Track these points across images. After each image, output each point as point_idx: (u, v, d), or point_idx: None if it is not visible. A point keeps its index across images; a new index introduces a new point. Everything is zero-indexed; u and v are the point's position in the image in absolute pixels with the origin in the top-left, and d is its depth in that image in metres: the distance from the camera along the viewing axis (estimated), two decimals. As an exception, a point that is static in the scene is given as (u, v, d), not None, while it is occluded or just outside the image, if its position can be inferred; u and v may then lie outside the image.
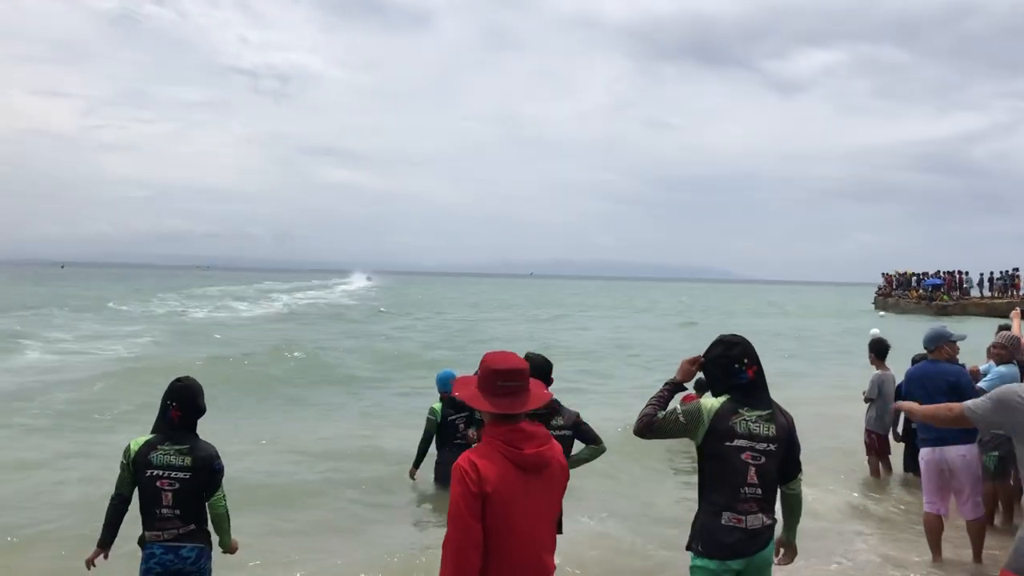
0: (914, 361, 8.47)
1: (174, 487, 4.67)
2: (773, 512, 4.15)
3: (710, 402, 4.14)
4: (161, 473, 4.67)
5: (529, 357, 5.27)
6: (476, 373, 3.42)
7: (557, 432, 5.31)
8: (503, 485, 3.14)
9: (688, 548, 4.18)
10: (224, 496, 4.84)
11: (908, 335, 25.22)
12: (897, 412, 9.13)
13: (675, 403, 4.32)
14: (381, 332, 34.48)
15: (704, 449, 4.10)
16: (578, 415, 5.69)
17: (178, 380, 4.90)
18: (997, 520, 7.83)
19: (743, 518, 4.01)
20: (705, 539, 4.07)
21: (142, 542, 4.75)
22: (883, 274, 70.02)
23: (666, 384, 4.33)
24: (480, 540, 3.11)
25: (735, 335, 4.28)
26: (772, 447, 4.06)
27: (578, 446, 5.72)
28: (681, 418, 4.11)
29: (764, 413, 4.10)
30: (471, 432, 7.68)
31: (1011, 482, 7.87)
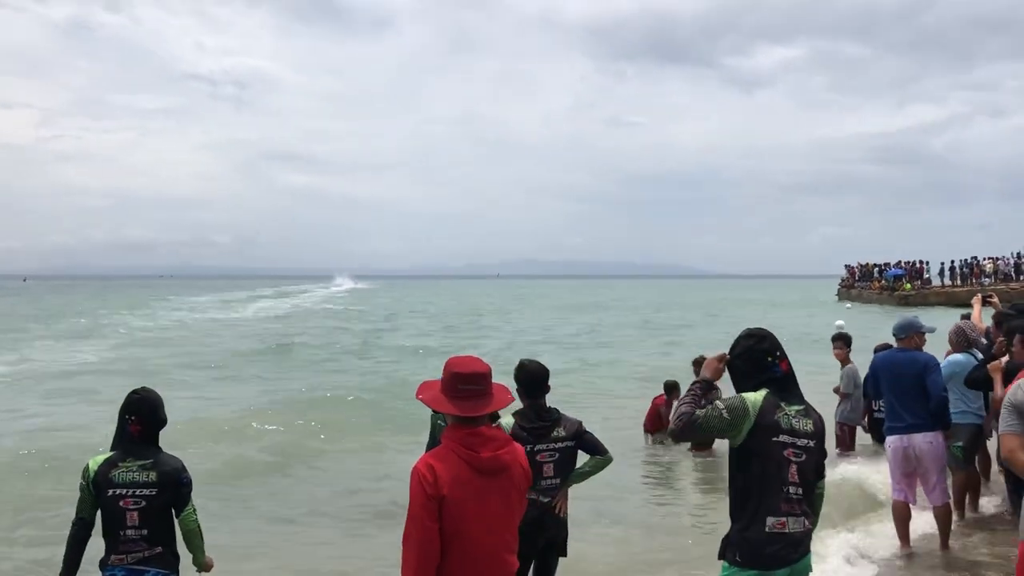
0: (876, 350, 8.55)
1: (140, 505, 4.30)
2: (811, 516, 3.89)
3: (752, 396, 3.80)
4: (124, 492, 4.29)
5: (525, 365, 5.17)
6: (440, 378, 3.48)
7: (560, 444, 5.03)
8: (459, 487, 3.23)
9: (722, 558, 3.84)
10: (195, 510, 4.49)
11: (873, 326, 25.62)
12: (868, 404, 9.24)
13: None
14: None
15: (746, 447, 3.76)
16: (580, 424, 5.24)
17: (135, 392, 4.50)
18: (968, 509, 7.90)
19: (786, 521, 3.73)
20: (744, 548, 3.74)
21: (103, 565, 4.36)
22: (846, 266, 70.96)
23: (696, 382, 3.96)
24: (437, 540, 3.20)
25: (760, 328, 4.02)
26: (811, 443, 3.85)
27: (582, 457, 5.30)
28: (725, 414, 3.71)
29: (801, 408, 3.87)
30: None
31: (975, 467, 8.01)
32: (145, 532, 4.31)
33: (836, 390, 10.13)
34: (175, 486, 4.38)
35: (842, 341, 10.20)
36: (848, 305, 55.46)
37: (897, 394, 6.83)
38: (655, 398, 12.33)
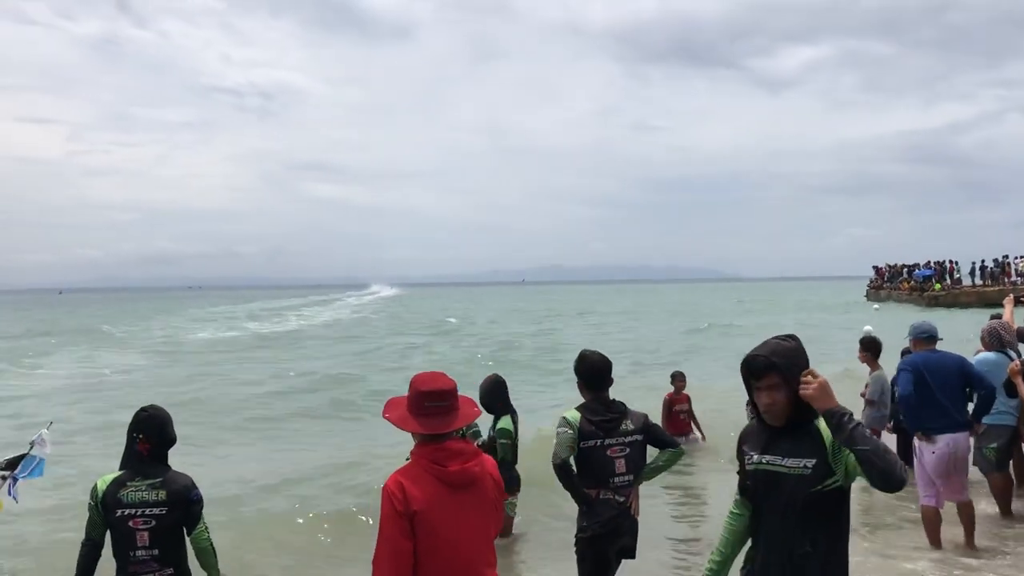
0: (903, 354, 8.49)
1: (150, 525, 4.21)
2: None
3: None
4: (134, 512, 4.20)
5: (585, 356, 5.03)
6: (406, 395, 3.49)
7: (630, 438, 4.84)
8: (430, 503, 3.23)
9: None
10: (206, 528, 4.39)
11: (903, 327, 25.24)
12: (895, 410, 9.14)
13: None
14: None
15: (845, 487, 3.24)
16: (646, 417, 5.05)
17: (143, 410, 4.43)
18: (1000, 508, 7.80)
19: None
20: None
21: None
22: (874, 267, 70.30)
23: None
24: (410, 558, 3.21)
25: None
26: None
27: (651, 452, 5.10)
28: None
29: None
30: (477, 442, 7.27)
31: (1008, 470, 7.92)
32: (156, 552, 4.23)
33: (863, 395, 9.97)
34: (185, 504, 4.29)
35: (868, 346, 10.03)
36: (876, 307, 54.92)
37: (947, 394, 6.78)
38: (666, 395, 11.91)
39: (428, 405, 3.34)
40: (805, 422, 3.20)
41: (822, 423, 3.16)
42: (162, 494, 4.24)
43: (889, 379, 9.62)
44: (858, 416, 8.85)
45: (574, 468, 4.88)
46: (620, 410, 4.91)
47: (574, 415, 4.85)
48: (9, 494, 6.80)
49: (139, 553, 4.21)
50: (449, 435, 3.38)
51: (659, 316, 57.66)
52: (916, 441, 6.97)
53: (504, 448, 7.22)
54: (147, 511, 4.21)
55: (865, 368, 9.93)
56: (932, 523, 6.99)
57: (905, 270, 63.33)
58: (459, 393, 3.50)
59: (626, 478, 4.82)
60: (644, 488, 5.26)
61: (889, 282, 64.84)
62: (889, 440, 10.05)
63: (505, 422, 7.30)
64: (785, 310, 60.86)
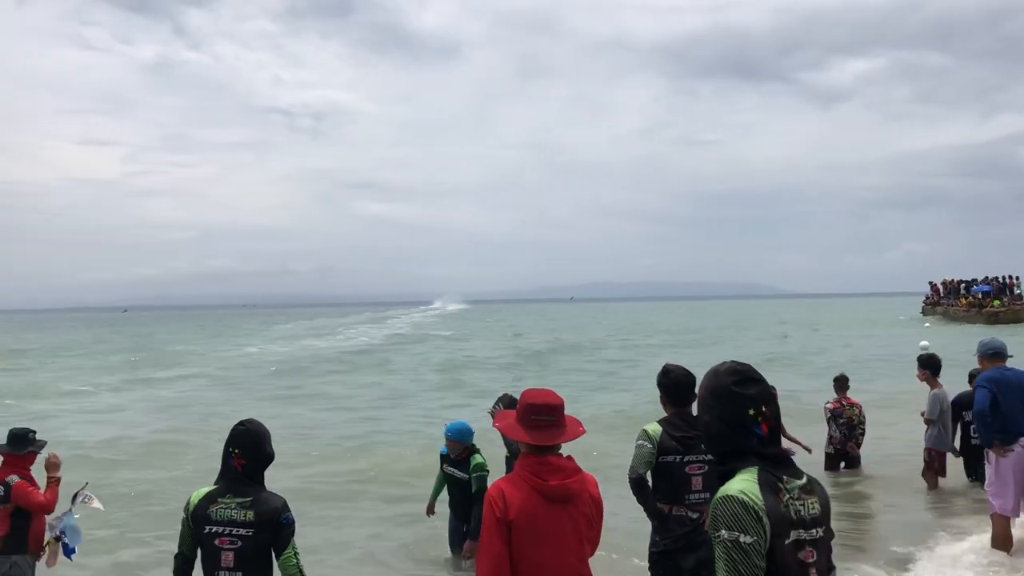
0: (972, 375, 8.27)
1: (235, 545, 4.02)
2: None
3: None
4: (221, 530, 4.03)
5: (670, 370, 4.93)
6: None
7: (709, 456, 4.55)
8: (527, 513, 3.43)
9: None
10: (296, 553, 4.12)
11: (959, 345, 24.71)
12: (965, 428, 8.98)
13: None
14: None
15: None
16: None
17: (241, 424, 4.23)
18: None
19: None
20: None
21: None
22: (930, 283, 68.87)
23: None
24: (506, 561, 3.42)
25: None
26: None
27: None
28: None
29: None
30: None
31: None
32: (240, 575, 4.05)
33: (923, 414, 9.67)
34: (275, 527, 4.05)
35: (926, 364, 9.72)
36: (927, 323, 53.77)
37: (1021, 409, 6.84)
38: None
39: (535, 418, 3.57)
40: None
41: None
42: (250, 515, 4.04)
43: (949, 398, 9.34)
44: (921, 436, 8.40)
45: (649, 483, 4.83)
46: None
47: (655, 429, 4.78)
48: (66, 555, 7.02)
49: (223, 574, 4.04)
50: (553, 450, 3.58)
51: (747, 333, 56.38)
52: (989, 453, 6.96)
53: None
54: (234, 531, 4.03)
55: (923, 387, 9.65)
56: (1004, 533, 6.98)
57: (962, 286, 61.95)
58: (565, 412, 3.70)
59: (702, 496, 4.69)
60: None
61: (946, 298, 63.47)
62: (955, 463, 9.75)
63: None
64: (839, 327, 59.67)
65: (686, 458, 4.71)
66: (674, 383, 4.86)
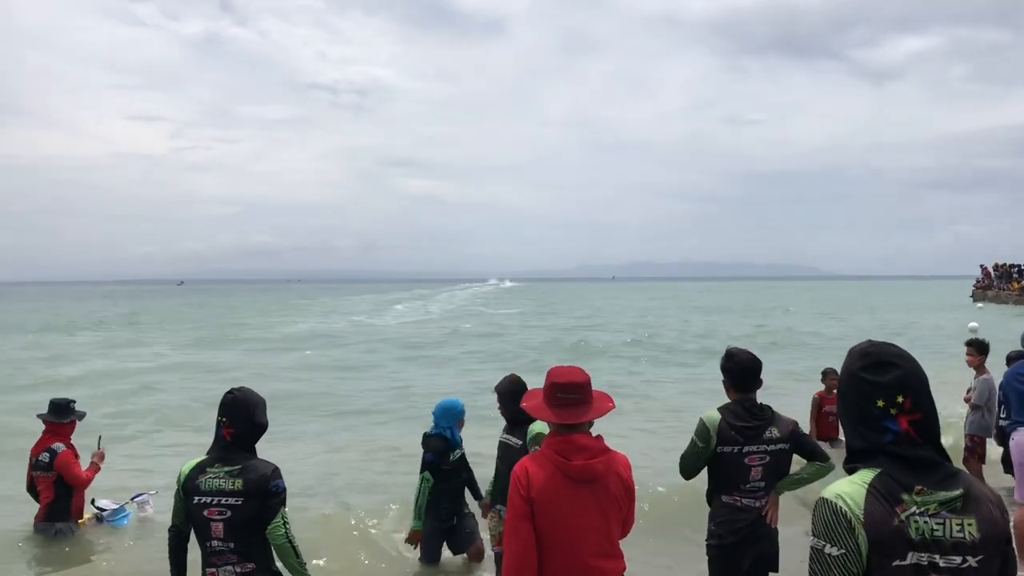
0: (1009, 359, 8.15)
1: (224, 516, 3.89)
2: None
3: None
4: (210, 500, 3.91)
5: (733, 354, 4.66)
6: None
7: (773, 446, 4.51)
8: (549, 491, 3.41)
9: None
10: (284, 523, 3.95)
11: (1010, 329, 24.29)
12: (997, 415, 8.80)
13: None
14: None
15: None
16: (796, 424, 4.66)
17: (230, 392, 4.09)
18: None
19: None
20: None
21: None
22: (981, 266, 67.52)
23: None
24: (532, 540, 3.40)
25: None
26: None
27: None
28: None
29: None
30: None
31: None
32: (232, 545, 3.92)
33: (967, 399, 9.56)
34: (262, 495, 3.91)
35: (975, 347, 9.59)
36: (980, 305, 52.69)
37: None
38: (816, 394, 10.90)
39: (560, 396, 3.51)
40: None
41: None
42: (238, 483, 3.91)
43: (997, 383, 9.24)
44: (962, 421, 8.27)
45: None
46: (765, 416, 4.56)
47: (713, 417, 4.54)
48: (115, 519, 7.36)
49: (215, 544, 3.93)
50: (580, 428, 3.51)
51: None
52: (1013, 440, 6.84)
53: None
54: (222, 500, 3.91)
55: (968, 371, 9.55)
56: None
57: (1015, 270, 60.65)
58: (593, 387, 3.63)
59: (758, 484, 4.51)
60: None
61: (998, 282, 62.20)
62: (994, 449, 9.66)
63: (541, 427, 5.51)
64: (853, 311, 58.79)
65: (745, 448, 4.47)
66: (739, 367, 4.58)
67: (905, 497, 2.12)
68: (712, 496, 4.66)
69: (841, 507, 2.13)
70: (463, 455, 6.66)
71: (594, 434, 3.58)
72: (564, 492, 3.41)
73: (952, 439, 9.32)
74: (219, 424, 4.03)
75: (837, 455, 3.65)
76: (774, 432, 4.51)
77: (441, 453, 6.42)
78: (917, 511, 2.11)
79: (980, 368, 9.35)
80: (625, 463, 3.59)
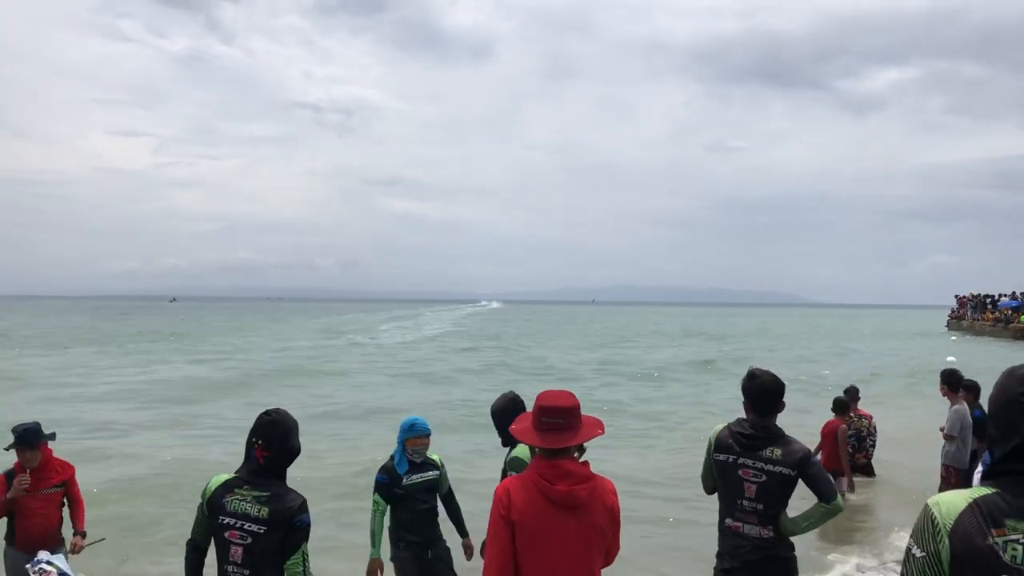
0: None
1: (245, 542, 3.77)
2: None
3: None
4: (233, 522, 3.79)
5: (756, 375, 4.39)
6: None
7: (771, 467, 4.26)
8: (531, 515, 3.34)
9: None
10: (304, 560, 3.81)
11: (984, 360, 24.63)
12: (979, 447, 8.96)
13: None
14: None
15: None
16: (808, 453, 4.29)
17: (266, 414, 3.94)
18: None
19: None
20: None
21: None
22: (956, 296, 68.38)
23: None
24: (511, 560, 3.34)
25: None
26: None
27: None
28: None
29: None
30: None
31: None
32: (247, 572, 3.79)
33: (942, 429, 9.79)
34: (286, 528, 3.77)
35: (945, 379, 9.85)
36: (953, 337, 53.28)
37: None
38: (826, 424, 10.56)
39: (545, 420, 3.44)
40: None
41: None
42: (265, 511, 3.78)
43: (970, 414, 9.46)
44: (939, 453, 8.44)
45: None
46: (771, 433, 4.32)
47: (718, 428, 4.48)
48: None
49: (230, 568, 3.82)
50: (566, 453, 3.42)
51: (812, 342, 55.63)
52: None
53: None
54: (246, 525, 3.79)
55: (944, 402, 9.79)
56: None
57: (988, 300, 61.45)
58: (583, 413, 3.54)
59: (754, 505, 4.28)
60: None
61: (972, 313, 62.98)
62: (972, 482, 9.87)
63: (522, 451, 5.03)
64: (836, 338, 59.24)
65: (740, 460, 4.28)
66: (760, 389, 4.32)
67: (1008, 523, 2.15)
68: (720, 519, 4.48)
69: (934, 514, 2.21)
70: (433, 481, 5.82)
71: (580, 459, 3.47)
72: (546, 517, 3.34)
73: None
74: (252, 445, 3.89)
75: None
76: (775, 452, 4.25)
77: (389, 474, 5.70)
78: (1020, 539, 2.12)
79: (952, 398, 9.60)
80: (611, 489, 3.49)
